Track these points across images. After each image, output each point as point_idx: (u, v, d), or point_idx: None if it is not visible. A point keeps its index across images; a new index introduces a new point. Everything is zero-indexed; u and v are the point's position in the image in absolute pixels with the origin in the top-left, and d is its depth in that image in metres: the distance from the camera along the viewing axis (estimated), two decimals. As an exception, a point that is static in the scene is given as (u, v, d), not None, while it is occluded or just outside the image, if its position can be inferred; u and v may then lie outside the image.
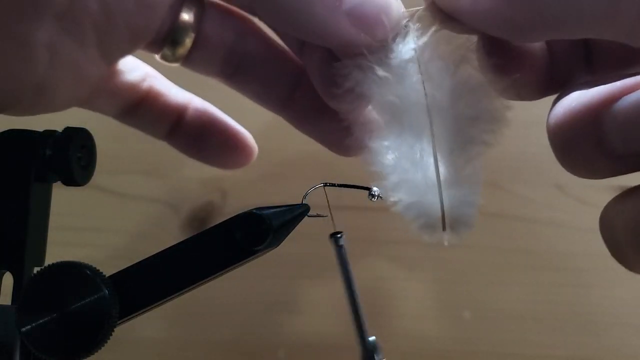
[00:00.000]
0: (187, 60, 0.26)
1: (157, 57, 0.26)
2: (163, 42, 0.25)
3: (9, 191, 0.24)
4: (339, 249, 0.24)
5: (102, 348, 0.22)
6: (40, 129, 0.25)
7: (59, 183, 0.25)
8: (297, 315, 0.42)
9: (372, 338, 0.24)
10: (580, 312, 0.41)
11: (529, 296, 0.41)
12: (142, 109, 0.28)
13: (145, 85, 0.28)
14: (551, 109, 0.21)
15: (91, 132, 0.26)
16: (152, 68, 0.29)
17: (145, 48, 0.26)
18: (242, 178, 0.43)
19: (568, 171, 0.21)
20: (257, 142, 0.30)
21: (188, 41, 0.25)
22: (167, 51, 0.26)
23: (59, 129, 0.25)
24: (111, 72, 0.27)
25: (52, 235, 0.25)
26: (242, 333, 0.42)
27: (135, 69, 0.28)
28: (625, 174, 0.20)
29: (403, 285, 0.42)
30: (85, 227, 0.43)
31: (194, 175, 0.43)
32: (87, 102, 0.27)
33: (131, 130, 0.29)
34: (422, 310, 0.42)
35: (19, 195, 0.24)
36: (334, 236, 0.25)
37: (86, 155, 0.25)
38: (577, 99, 0.20)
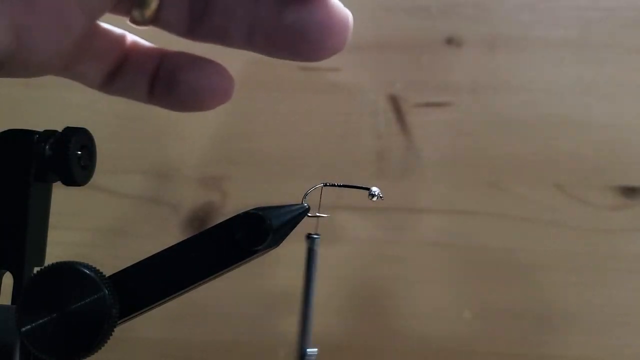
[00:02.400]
0: (158, 19, 0.26)
1: (127, 21, 0.26)
2: (131, 2, 0.25)
3: (9, 191, 0.24)
4: (312, 251, 0.25)
5: (102, 348, 0.22)
6: (40, 129, 0.25)
7: (59, 183, 0.25)
8: (297, 316, 0.42)
9: (314, 350, 0.24)
10: (580, 312, 0.41)
11: (529, 296, 0.41)
12: (125, 68, 0.28)
13: (127, 42, 0.28)
14: None
15: (91, 132, 0.26)
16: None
17: (114, 11, 0.26)
18: (242, 178, 0.43)
19: None
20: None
21: None
22: (135, 12, 0.26)
23: (59, 129, 0.25)
24: (93, 31, 0.26)
25: (52, 235, 0.25)
26: (242, 333, 0.42)
27: (114, 29, 0.28)
28: None
29: (403, 285, 0.42)
30: (85, 227, 0.43)
31: (194, 175, 0.43)
32: (72, 65, 0.26)
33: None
34: (422, 310, 0.42)
35: (19, 195, 0.24)
36: (310, 237, 0.25)
37: (86, 155, 0.25)
38: None
